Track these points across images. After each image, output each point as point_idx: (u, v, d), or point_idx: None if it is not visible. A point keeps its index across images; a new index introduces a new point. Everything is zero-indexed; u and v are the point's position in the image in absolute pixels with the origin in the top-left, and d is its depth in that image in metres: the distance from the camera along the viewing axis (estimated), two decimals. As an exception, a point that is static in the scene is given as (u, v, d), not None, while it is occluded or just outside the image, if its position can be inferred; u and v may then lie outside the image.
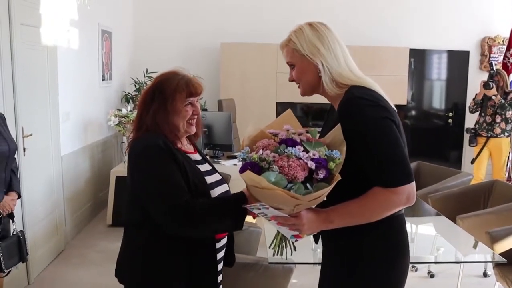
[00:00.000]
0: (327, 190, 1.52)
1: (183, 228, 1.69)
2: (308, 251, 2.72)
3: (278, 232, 1.80)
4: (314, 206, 1.68)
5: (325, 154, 1.55)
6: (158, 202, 1.69)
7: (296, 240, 1.73)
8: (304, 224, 1.60)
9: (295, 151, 1.53)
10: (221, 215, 1.73)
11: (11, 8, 3.38)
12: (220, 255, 1.91)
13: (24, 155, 3.57)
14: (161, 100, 1.78)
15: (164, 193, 1.68)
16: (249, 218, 1.88)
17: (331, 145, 1.59)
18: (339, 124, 1.60)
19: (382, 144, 1.56)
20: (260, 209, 1.59)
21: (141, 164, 1.74)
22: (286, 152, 1.53)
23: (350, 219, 1.62)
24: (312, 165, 1.52)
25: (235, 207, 1.72)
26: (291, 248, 1.85)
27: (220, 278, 1.94)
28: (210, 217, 1.72)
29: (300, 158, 1.52)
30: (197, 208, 1.68)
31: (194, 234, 1.75)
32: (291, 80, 1.79)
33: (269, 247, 1.87)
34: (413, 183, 1.59)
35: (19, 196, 2.97)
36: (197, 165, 1.87)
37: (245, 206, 1.66)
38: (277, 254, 1.82)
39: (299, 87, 1.78)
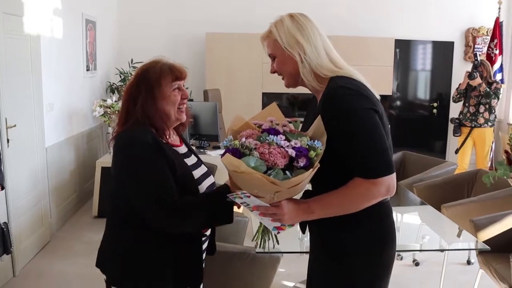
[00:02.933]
0: (306, 176, 1.52)
1: (170, 226, 1.70)
2: (295, 240, 2.74)
3: (261, 224, 1.81)
4: (299, 197, 1.69)
5: (307, 144, 1.56)
6: (146, 199, 1.68)
7: (278, 232, 1.73)
8: (284, 213, 1.61)
9: (277, 139, 1.55)
10: (208, 210, 1.73)
11: (-7, -3, 3.33)
12: (205, 246, 1.92)
13: (8, 147, 3.52)
14: (147, 89, 1.75)
15: (153, 191, 1.67)
16: (235, 207, 1.88)
17: (313, 137, 1.60)
18: (319, 116, 1.60)
19: (363, 135, 1.56)
20: (242, 198, 1.59)
21: (130, 160, 1.71)
22: (267, 140, 1.55)
23: (330, 210, 1.63)
24: (292, 153, 1.53)
25: (221, 201, 1.71)
26: (273, 241, 1.87)
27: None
28: (198, 213, 1.72)
29: (281, 146, 1.54)
30: (185, 205, 1.68)
31: (180, 231, 1.74)
32: (273, 72, 1.78)
33: (252, 240, 1.88)
34: (393, 175, 1.58)
35: (3, 188, 2.94)
36: (184, 159, 1.86)
37: (228, 195, 1.66)
38: (260, 247, 1.84)
39: (283, 79, 1.78)
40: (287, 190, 1.55)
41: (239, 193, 1.57)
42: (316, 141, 1.56)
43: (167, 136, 1.79)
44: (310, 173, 1.53)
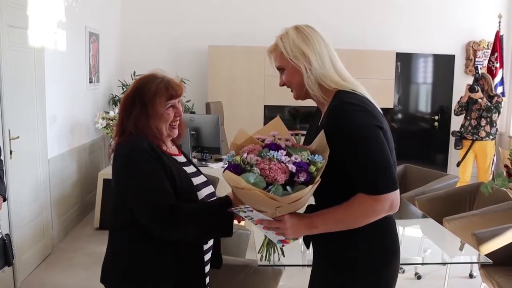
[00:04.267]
0: (306, 192, 1.53)
1: (166, 231, 1.70)
2: (297, 254, 2.73)
3: (266, 237, 1.82)
4: (302, 211, 1.69)
5: (307, 159, 1.56)
6: (142, 204, 1.70)
7: (282, 246, 1.75)
8: (287, 228, 1.62)
9: (277, 155, 1.56)
10: (207, 219, 1.74)
11: (-2, 10, 3.37)
12: (207, 256, 1.91)
13: (10, 158, 3.54)
14: (141, 105, 1.78)
15: (149, 196, 1.69)
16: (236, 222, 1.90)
17: (316, 151, 1.61)
18: (322, 131, 1.61)
19: (368, 151, 1.56)
20: (245, 212, 1.60)
21: (127, 166, 1.73)
22: (268, 156, 1.56)
23: (333, 225, 1.63)
24: (292, 168, 1.54)
25: (220, 211, 1.73)
26: (278, 254, 1.88)
27: (207, 280, 1.93)
28: (195, 221, 1.72)
29: (282, 162, 1.55)
30: (182, 211, 1.69)
31: (178, 237, 1.74)
32: (282, 84, 1.79)
33: (258, 252, 1.89)
34: (397, 191, 1.59)
35: (5, 199, 2.94)
36: (183, 167, 1.87)
37: (231, 209, 1.67)
38: (265, 259, 1.85)
39: (291, 91, 1.78)
40: (288, 205, 1.55)
41: (242, 207, 1.58)
42: (316, 155, 1.57)
43: (163, 148, 1.82)
44: (310, 188, 1.53)
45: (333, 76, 1.68)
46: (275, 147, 1.61)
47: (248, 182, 1.51)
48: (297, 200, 1.54)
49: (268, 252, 1.85)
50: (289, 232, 1.63)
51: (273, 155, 1.56)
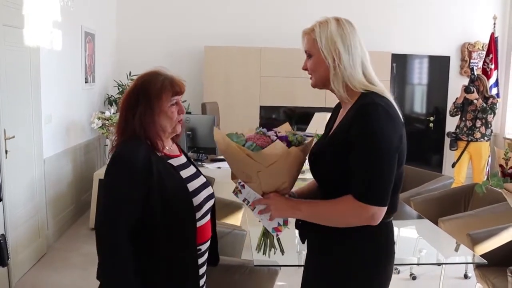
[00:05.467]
0: (277, 148, 1.65)
1: (98, 252, 1.71)
2: (293, 254, 2.74)
3: (262, 232, 1.87)
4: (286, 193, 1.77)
5: (296, 137, 1.75)
6: (101, 212, 1.72)
7: (277, 235, 1.81)
8: (271, 204, 1.70)
9: (267, 132, 1.76)
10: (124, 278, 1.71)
11: (-6, 9, 3.36)
12: (203, 259, 1.91)
13: (6, 158, 3.53)
14: (146, 102, 1.76)
15: (109, 210, 1.70)
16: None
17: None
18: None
19: (376, 162, 1.56)
20: (241, 192, 1.77)
21: (109, 175, 1.74)
22: (259, 132, 1.77)
23: (314, 214, 1.69)
24: (274, 138, 1.71)
25: None
26: (275, 249, 1.90)
27: (203, 281, 1.93)
28: (115, 268, 1.70)
29: (268, 136, 1.74)
30: (119, 255, 1.68)
31: (104, 261, 1.73)
32: (305, 68, 1.76)
33: (255, 249, 1.90)
34: (383, 208, 1.59)
35: (0, 199, 2.93)
36: (183, 170, 1.86)
37: (233, 192, 1.81)
38: (261, 252, 1.89)
39: (311, 78, 1.75)
40: (267, 169, 1.67)
41: (238, 186, 1.76)
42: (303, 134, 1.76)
43: (161, 148, 1.81)
44: (281, 146, 1.65)
45: (361, 79, 1.67)
46: (270, 131, 1.79)
47: (232, 140, 1.72)
48: (273, 162, 1.65)
49: (264, 244, 1.88)
50: (273, 208, 1.71)
51: (263, 132, 1.76)
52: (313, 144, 1.79)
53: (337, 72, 1.65)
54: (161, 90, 1.78)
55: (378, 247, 1.70)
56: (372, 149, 1.56)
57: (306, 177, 2.32)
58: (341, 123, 1.70)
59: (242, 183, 1.77)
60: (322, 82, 1.72)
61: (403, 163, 1.68)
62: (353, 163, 1.59)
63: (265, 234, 1.88)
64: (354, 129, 1.59)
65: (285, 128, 1.85)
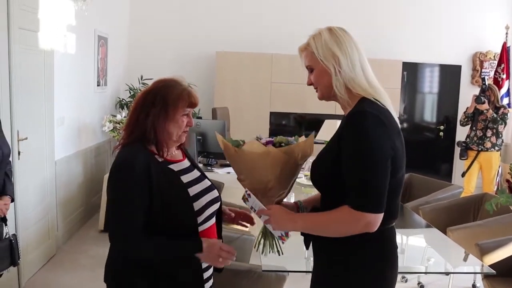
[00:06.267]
0: (253, 145, 1.81)
1: (124, 250, 1.80)
2: (301, 260, 2.75)
3: (261, 232, 1.95)
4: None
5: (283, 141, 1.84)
6: (110, 223, 1.78)
7: (283, 243, 1.86)
8: (271, 214, 1.76)
9: (262, 139, 1.87)
10: (169, 255, 1.81)
11: (10, 12, 3.40)
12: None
13: (18, 159, 3.57)
14: (162, 105, 1.80)
15: (117, 216, 1.76)
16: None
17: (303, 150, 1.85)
18: (311, 136, 1.81)
19: (369, 169, 1.58)
20: (248, 200, 1.86)
21: (111, 184, 1.79)
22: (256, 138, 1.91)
23: (311, 225, 1.73)
24: (263, 141, 1.85)
25: (187, 253, 1.79)
26: (272, 250, 1.94)
27: (208, 285, 1.95)
28: (152, 253, 1.78)
29: (260, 139, 1.88)
30: (144, 241, 1.75)
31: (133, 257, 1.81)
32: (309, 83, 1.81)
33: (254, 246, 1.95)
34: (379, 215, 1.60)
35: (13, 200, 2.96)
36: (185, 174, 1.88)
37: (242, 198, 1.90)
38: (260, 251, 1.94)
39: (317, 91, 1.80)
40: (250, 166, 1.83)
41: (245, 194, 1.85)
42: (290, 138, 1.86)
43: (164, 153, 1.84)
44: (259, 145, 1.80)
45: (362, 81, 1.70)
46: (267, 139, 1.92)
47: (228, 141, 1.89)
48: (253, 159, 1.80)
49: (263, 243, 1.93)
50: (272, 219, 1.76)
51: (258, 138, 1.90)
52: (297, 148, 1.83)
53: (338, 77, 1.69)
54: (179, 98, 1.82)
55: (379, 252, 1.71)
56: (362, 157, 1.58)
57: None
58: (335, 133, 1.74)
59: (248, 192, 1.85)
60: (327, 92, 1.76)
61: (402, 168, 1.69)
62: (345, 172, 1.61)
63: (264, 234, 1.93)
64: (344, 138, 1.62)
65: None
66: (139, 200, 1.73)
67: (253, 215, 1.96)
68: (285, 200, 1.91)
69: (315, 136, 2.18)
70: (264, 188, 1.82)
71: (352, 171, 1.59)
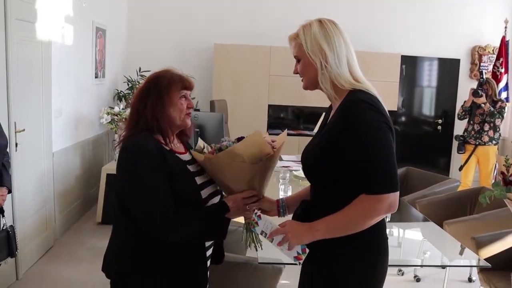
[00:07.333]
0: (195, 155, 1.89)
1: (163, 235, 1.75)
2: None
3: (245, 227, 1.93)
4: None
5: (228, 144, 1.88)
6: (140, 208, 1.74)
7: (300, 263, 1.77)
8: (288, 231, 1.70)
9: (225, 141, 1.91)
10: (203, 223, 1.80)
11: (7, 3, 3.39)
12: (208, 253, 1.94)
13: (16, 150, 3.57)
14: (157, 93, 1.83)
15: (147, 199, 1.72)
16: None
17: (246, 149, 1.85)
18: (257, 132, 1.78)
19: (377, 150, 1.59)
20: (258, 224, 1.78)
21: (131, 167, 1.76)
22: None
23: (334, 227, 1.66)
24: (211, 150, 1.91)
25: (216, 215, 1.81)
26: (255, 245, 1.95)
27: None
28: (192, 226, 1.77)
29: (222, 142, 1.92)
30: (179, 216, 1.74)
31: (174, 241, 1.78)
32: (296, 72, 1.82)
33: (241, 240, 1.97)
34: (397, 193, 1.61)
35: (10, 191, 2.97)
36: (189, 165, 1.90)
37: (250, 227, 1.86)
38: (248, 247, 1.95)
39: (302, 80, 1.81)
40: (234, 184, 1.86)
41: (253, 216, 1.78)
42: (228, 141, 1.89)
43: (171, 141, 1.86)
44: (196, 154, 1.89)
45: (348, 77, 1.70)
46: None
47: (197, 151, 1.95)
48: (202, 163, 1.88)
49: (249, 240, 1.93)
50: (291, 235, 1.69)
51: (223, 139, 1.94)
52: (237, 149, 1.82)
53: (324, 72, 1.70)
54: (170, 82, 1.84)
55: (367, 242, 1.71)
56: (368, 141, 1.59)
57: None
58: (328, 123, 1.75)
59: (258, 214, 1.80)
60: (312, 84, 1.77)
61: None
62: (353, 160, 1.61)
63: (248, 228, 1.92)
64: (341, 130, 1.63)
65: (282, 138, 1.93)
66: (165, 180, 1.74)
67: (261, 237, 1.87)
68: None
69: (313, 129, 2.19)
70: (230, 190, 1.87)
71: (361, 158, 1.59)
